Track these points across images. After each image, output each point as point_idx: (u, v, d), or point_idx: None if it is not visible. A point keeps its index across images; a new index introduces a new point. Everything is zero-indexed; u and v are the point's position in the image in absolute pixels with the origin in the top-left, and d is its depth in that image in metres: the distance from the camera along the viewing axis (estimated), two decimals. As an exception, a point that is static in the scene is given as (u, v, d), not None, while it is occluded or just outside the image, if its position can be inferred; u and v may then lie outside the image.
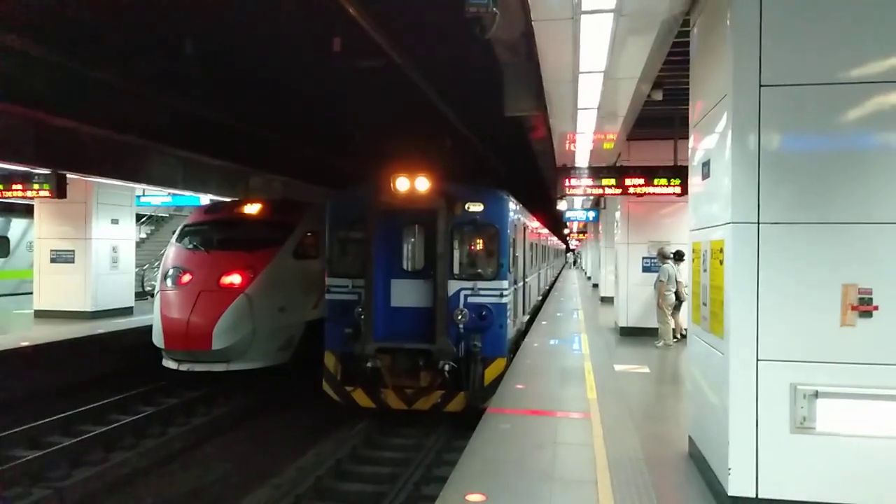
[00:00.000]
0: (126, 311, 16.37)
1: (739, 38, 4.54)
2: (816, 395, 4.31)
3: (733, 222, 4.53)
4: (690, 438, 5.83)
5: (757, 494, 4.40)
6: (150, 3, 8.62)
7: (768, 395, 4.41)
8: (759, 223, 4.46)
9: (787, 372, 4.39)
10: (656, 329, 12.14)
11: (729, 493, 4.47)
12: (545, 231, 23.29)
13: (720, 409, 4.72)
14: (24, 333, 13.24)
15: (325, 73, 11.20)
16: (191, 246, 12.25)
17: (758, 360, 4.43)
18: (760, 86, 4.46)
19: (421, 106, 12.33)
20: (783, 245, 4.44)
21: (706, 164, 5.32)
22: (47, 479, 7.78)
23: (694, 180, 5.88)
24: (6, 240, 21.96)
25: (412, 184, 9.23)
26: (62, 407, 10.01)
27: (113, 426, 9.42)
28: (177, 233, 12.98)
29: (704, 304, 5.25)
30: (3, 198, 14.33)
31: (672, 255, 12.10)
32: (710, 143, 5.25)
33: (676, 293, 11.73)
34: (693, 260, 5.77)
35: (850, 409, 4.30)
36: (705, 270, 5.23)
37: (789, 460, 4.39)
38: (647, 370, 10.08)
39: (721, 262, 4.74)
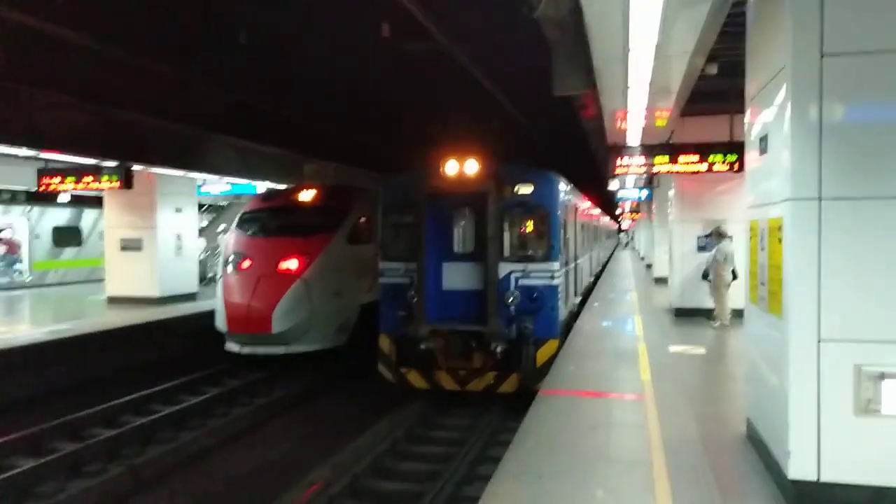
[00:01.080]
0: (190, 297, 17.04)
1: (798, 5, 4.35)
2: (882, 376, 4.16)
3: (793, 199, 4.39)
4: (748, 420, 5.72)
5: (819, 478, 4.30)
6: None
7: (830, 376, 4.28)
8: (820, 199, 4.30)
9: (851, 352, 4.25)
10: (712, 310, 11.86)
11: (789, 477, 4.38)
12: (596, 211, 22.95)
13: (779, 391, 4.62)
14: (98, 318, 13.99)
15: (374, 60, 11.30)
16: (250, 233, 12.64)
17: (819, 340, 4.30)
18: (822, 55, 4.28)
19: (469, 88, 12.30)
20: (846, 221, 4.28)
21: (764, 139, 5.15)
22: (123, 456, 8.25)
23: (751, 156, 5.71)
24: (79, 230, 23.13)
25: (461, 167, 9.26)
26: (136, 387, 10.55)
27: (181, 406, 9.88)
28: (236, 220, 13.40)
29: (762, 284, 5.11)
30: (75, 190, 15.11)
31: (713, 234, 11.84)
32: (768, 116, 5.08)
33: (731, 272, 11.37)
34: (750, 238, 5.61)
35: (918, 391, 4.14)
36: (763, 249, 5.09)
37: (853, 443, 4.26)
38: (702, 351, 9.88)
39: (780, 240, 4.61)
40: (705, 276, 12.04)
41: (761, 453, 5.18)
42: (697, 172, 10.69)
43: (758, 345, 5.44)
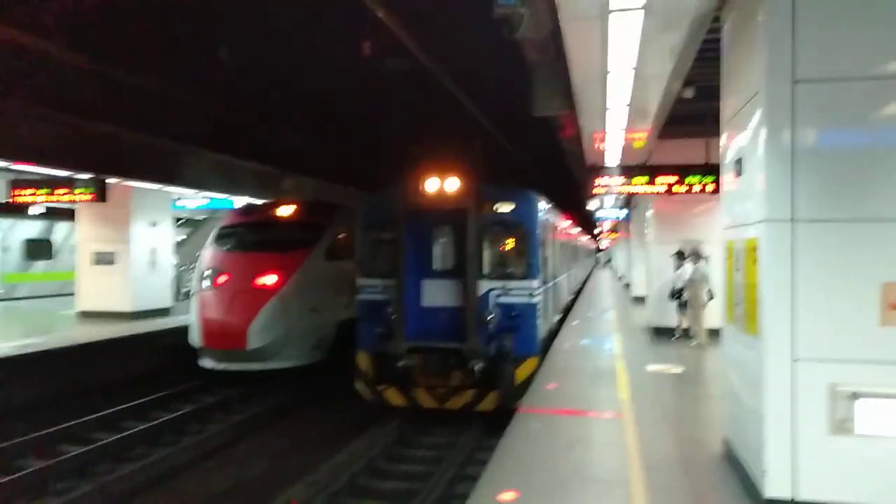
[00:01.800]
0: (164, 312, 16.77)
1: (771, 33, 4.48)
2: (855, 395, 4.24)
3: (767, 220, 4.48)
4: (726, 440, 5.76)
5: (793, 497, 4.34)
6: (187, 13, 8.85)
7: (805, 395, 4.35)
8: (793, 221, 4.39)
9: (825, 372, 4.32)
10: (673, 329, 12.01)
11: (765, 496, 4.42)
12: (575, 230, 23.16)
13: (755, 410, 4.67)
14: (67, 333, 13.68)
15: (354, 77, 11.34)
16: (226, 248, 12.51)
17: (794, 359, 4.37)
18: (794, 81, 4.40)
19: (449, 107, 12.40)
20: (819, 243, 4.38)
21: (739, 162, 5.26)
22: (93, 473, 8.03)
23: (726, 178, 5.82)
24: (49, 243, 22.69)
25: (442, 184, 9.30)
26: (105, 404, 10.31)
27: (154, 423, 9.68)
28: (212, 235, 13.26)
29: (738, 304, 5.19)
30: (47, 202, 14.85)
31: (678, 254, 12.23)
32: (742, 140, 5.20)
33: (707, 292, 11.57)
34: (726, 259, 5.70)
35: (890, 410, 4.22)
36: (738, 269, 5.17)
37: (827, 462, 4.32)
38: (680, 370, 9.97)
39: (755, 261, 4.69)
40: (672, 295, 12.29)
41: (738, 473, 5.22)
42: (675, 193, 10.87)
43: (735, 364, 5.51)
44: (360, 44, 9.39)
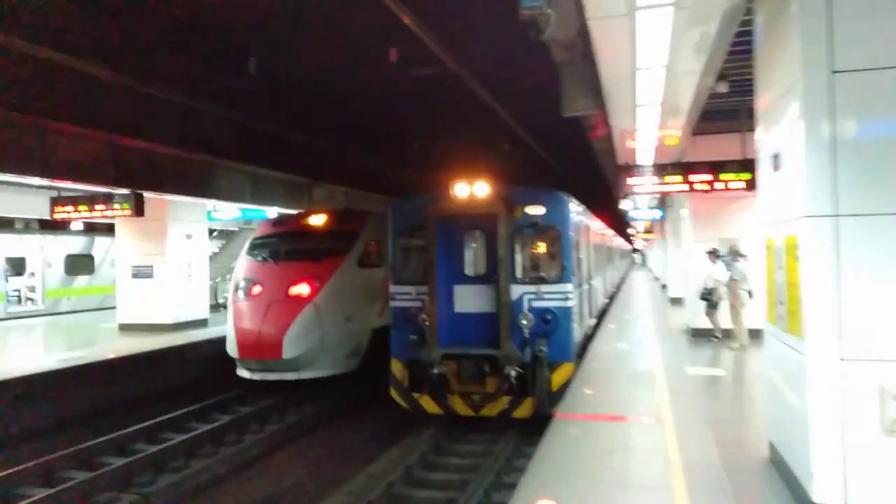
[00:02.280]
0: (201, 323, 17.06)
1: (807, 23, 4.34)
2: (908, 396, 4.05)
3: (809, 216, 4.32)
4: (770, 443, 5.58)
5: (845, 501, 4.17)
6: (216, 24, 9.01)
7: (854, 396, 4.18)
8: (837, 216, 4.23)
9: (875, 372, 4.15)
10: (730, 330, 11.71)
11: (813, 500, 4.25)
12: (609, 232, 22.85)
13: (801, 413, 4.50)
14: (110, 346, 14.01)
15: (382, 84, 11.40)
16: (260, 258, 12.66)
17: (841, 359, 4.21)
18: (832, 72, 4.25)
19: (477, 111, 12.37)
20: (865, 237, 4.20)
21: (776, 157, 5.10)
22: (135, 484, 8.17)
23: (764, 174, 5.65)
24: (91, 258, 23.32)
25: (471, 189, 9.25)
26: (148, 415, 10.51)
27: (193, 434, 9.82)
28: (246, 245, 13.45)
29: (781, 303, 5.02)
30: (88, 218, 15.26)
31: (710, 253, 12.02)
32: (780, 134, 5.04)
33: (747, 292, 11.29)
34: (766, 257, 5.53)
35: (946, 411, 4.02)
36: (780, 267, 5.01)
37: (880, 465, 4.14)
38: (721, 373, 9.73)
39: (796, 258, 4.53)
40: (703, 296, 12.06)
41: (784, 477, 5.04)
42: (710, 191, 10.63)
43: (778, 365, 5.33)
44: (388, 50, 9.43)
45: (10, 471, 7.96)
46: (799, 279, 4.49)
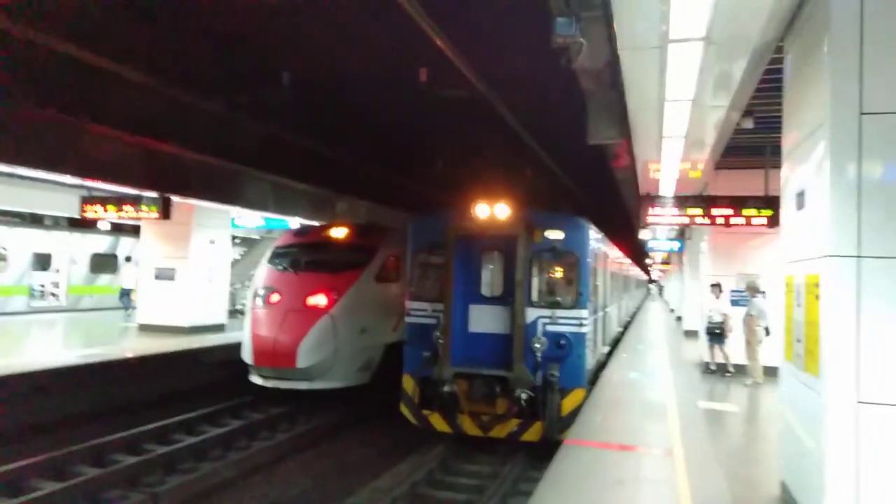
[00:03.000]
0: (219, 328, 17.22)
1: (838, 64, 4.38)
2: (926, 443, 4.01)
3: (832, 255, 4.33)
4: (783, 483, 5.52)
5: (857, 547, 4.12)
6: (253, 39, 9.24)
7: (870, 440, 4.14)
8: (860, 257, 4.24)
9: (893, 416, 4.11)
10: (744, 366, 11.60)
11: (825, 544, 4.20)
12: (626, 261, 22.77)
13: (816, 454, 4.47)
14: (128, 345, 14.21)
15: (410, 102, 11.56)
16: (280, 267, 12.81)
17: (858, 401, 4.18)
18: (861, 114, 4.28)
19: (502, 133, 12.47)
20: (887, 280, 4.20)
21: (801, 195, 5.11)
22: (144, 484, 8.25)
23: (787, 211, 5.66)
24: (115, 257, 23.70)
25: (492, 210, 9.32)
26: (159, 415, 10.62)
27: (203, 437, 9.89)
28: (267, 254, 13.62)
29: (798, 341, 5.00)
30: (115, 219, 15.57)
31: (717, 286, 12.18)
32: (805, 172, 5.06)
33: (764, 329, 11.20)
34: (786, 294, 5.51)
35: (964, 461, 3.97)
36: (799, 305, 5.00)
37: (894, 512, 4.09)
38: (734, 408, 9.62)
39: (817, 297, 4.53)
40: (708, 330, 12.13)
41: (796, 518, 4.98)
42: (731, 225, 10.61)
43: (793, 404, 5.29)
44: (418, 70, 9.58)
45: (22, 463, 8.08)
46: (818, 318, 4.48)
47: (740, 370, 11.85)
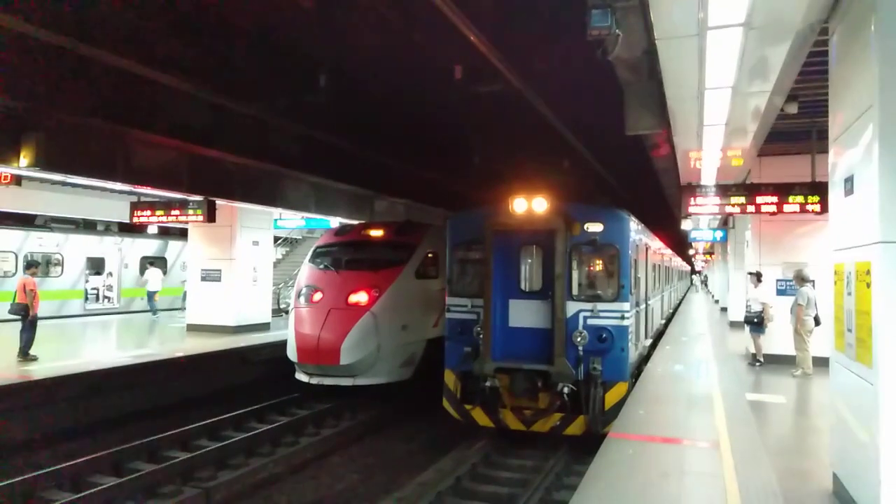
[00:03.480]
0: (264, 327, 17.61)
1: (885, 44, 4.25)
2: None
3: (884, 241, 4.21)
4: (835, 475, 5.39)
5: (915, 540, 4.01)
6: (291, 42, 9.41)
7: (927, 431, 4.02)
8: (912, 242, 4.11)
9: (950, 407, 3.98)
10: (793, 357, 11.31)
11: (881, 537, 4.10)
12: (668, 252, 22.37)
13: (870, 445, 4.35)
14: (178, 345, 14.68)
15: (445, 98, 11.61)
16: (322, 266, 13.03)
17: (913, 392, 4.06)
18: (912, 94, 4.14)
19: (538, 127, 12.41)
20: (942, 266, 4.06)
21: (849, 180, 4.97)
22: (196, 478, 8.52)
23: (835, 197, 5.51)
24: (164, 260, 24.44)
25: (529, 204, 9.29)
26: (209, 413, 10.95)
27: (252, 433, 10.16)
28: (309, 254, 13.87)
29: (849, 331, 4.87)
30: (164, 223, 16.07)
31: (755, 275, 12.02)
32: (853, 156, 4.92)
33: (814, 318, 10.91)
34: (835, 283, 5.37)
35: None
36: (850, 294, 4.87)
37: (954, 505, 3.96)
38: (782, 400, 9.39)
39: (868, 285, 4.41)
40: (748, 321, 11.94)
41: (850, 511, 4.87)
42: (776, 213, 10.34)
43: (845, 395, 5.16)
44: (453, 67, 9.61)
45: (81, 460, 8.44)
46: (871, 307, 4.36)
47: (781, 361, 11.64)
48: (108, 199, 18.49)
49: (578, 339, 9.09)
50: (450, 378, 9.92)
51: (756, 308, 11.90)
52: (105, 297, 22.83)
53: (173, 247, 24.78)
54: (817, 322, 10.74)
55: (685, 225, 21.48)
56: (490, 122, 13.23)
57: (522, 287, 9.79)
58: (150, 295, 20.94)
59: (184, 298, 20.86)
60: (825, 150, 5.90)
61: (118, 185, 13.14)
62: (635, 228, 10.61)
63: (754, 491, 5.44)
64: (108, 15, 7.96)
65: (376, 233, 13.41)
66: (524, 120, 12.00)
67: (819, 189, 9.74)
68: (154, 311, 20.85)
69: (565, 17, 7.67)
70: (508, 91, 10.00)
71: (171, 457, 9.04)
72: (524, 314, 9.65)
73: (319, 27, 9.05)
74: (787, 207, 10.15)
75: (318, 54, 10.14)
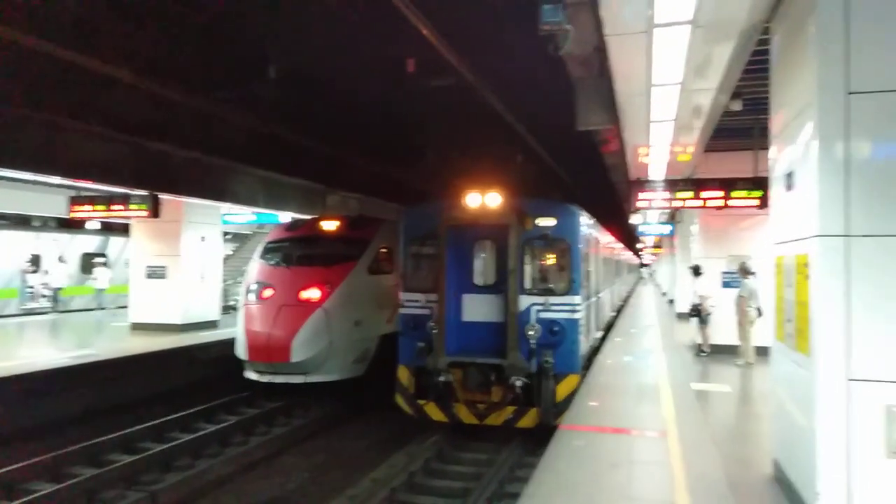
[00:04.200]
0: (212, 325, 17.18)
1: (824, 44, 4.39)
2: (915, 418, 4.06)
3: (820, 235, 4.36)
4: (775, 461, 5.58)
5: (849, 522, 4.18)
6: (237, 31, 9.15)
7: (860, 416, 4.19)
8: (848, 236, 4.27)
9: (882, 393, 4.16)
10: (737, 347, 11.70)
11: (819, 520, 4.26)
12: (618, 245, 22.84)
13: (807, 431, 4.52)
14: (121, 345, 14.15)
15: (398, 92, 11.51)
16: (272, 262, 12.77)
17: (849, 379, 4.22)
18: (848, 93, 4.29)
19: (492, 122, 12.44)
20: (876, 258, 4.23)
21: (790, 176, 5.14)
22: (141, 482, 8.25)
23: (776, 192, 5.69)
24: (105, 257, 23.55)
25: (483, 199, 9.32)
26: (156, 413, 10.61)
27: (199, 434, 9.89)
28: (259, 249, 13.57)
29: (789, 321, 5.04)
30: (104, 218, 15.46)
31: (693, 269, 12.47)
32: (793, 153, 5.08)
33: (756, 309, 11.30)
34: (776, 275, 5.55)
35: (953, 434, 4.03)
36: (789, 285, 5.03)
37: (884, 487, 4.14)
38: (727, 389, 9.71)
39: (807, 277, 4.56)
40: (691, 313, 12.43)
41: (788, 495, 5.05)
42: (721, 207, 10.65)
43: (785, 383, 5.34)
44: (405, 60, 9.53)
45: (17, 465, 8.06)
46: (808, 298, 4.52)
47: (725, 351, 12.04)
48: (45, 194, 17.65)
49: (531, 333, 9.17)
50: (403, 373, 9.88)
51: (696, 301, 12.34)
52: (42, 295, 21.85)
53: (115, 243, 23.91)
54: (759, 313, 11.12)
55: (634, 219, 21.94)
56: (444, 115, 13.20)
57: (476, 281, 9.83)
58: (98, 292, 20.26)
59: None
60: (767, 147, 6.08)
61: (55, 180, 12.56)
62: (586, 223, 10.76)
63: (700, 478, 5.59)
64: (44, 2, 7.57)
65: (328, 227, 13.21)
66: (478, 114, 12.00)
67: (761, 184, 10.07)
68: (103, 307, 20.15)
69: (517, 11, 7.68)
70: (461, 85, 9.98)
71: (113, 460, 8.74)
72: (478, 308, 9.70)
73: (267, 17, 8.82)
74: (731, 202, 10.46)
75: (266, 45, 9.89)
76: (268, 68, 9.95)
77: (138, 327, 16.49)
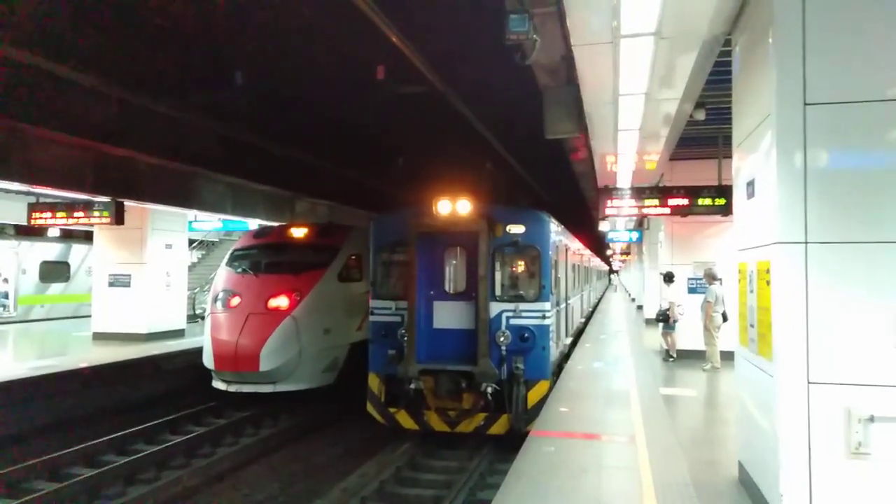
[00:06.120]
0: (178, 334, 16.84)
1: (782, 56, 4.52)
2: (872, 419, 4.18)
3: (780, 242, 4.47)
4: (740, 463, 5.69)
5: (811, 522, 4.27)
6: (203, 36, 9.03)
7: (820, 419, 4.30)
8: (806, 243, 4.38)
9: (841, 395, 4.28)
10: (703, 352, 11.91)
11: (782, 521, 4.35)
12: (587, 252, 23.09)
13: (770, 434, 4.62)
14: (83, 355, 13.78)
15: (367, 99, 11.48)
16: (240, 270, 12.60)
17: (809, 382, 4.33)
18: (805, 104, 4.42)
19: (462, 130, 12.49)
20: (833, 265, 4.35)
21: (751, 184, 5.26)
22: (104, 497, 8.03)
23: (738, 200, 5.82)
24: (67, 265, 22.96)
25: (453, 206, 9.34)
26: (118, 426, 10.35)
27: (165, 445, 9.68)
28: (226, 257, 13.37)
29: (752, 326, 5.16)
30: (66, 225, 15.06)
31: (665, 276, 12.64)
32: (754, 162, 5.21)
33: (721, 315, 11.53)
34: (739, 281, 5.68)
35: (908, 435, 4.16)
36: (752, 291, 5.15)
37: (845, 486, 4.26)
38: (693, 393, 9.86)
39: (768, 283, 4.67)
40: (658, 318, 12.68)
41: (753, 497, 5.15)
42: (686, 215, 10.86)
43: (748, 387, 5.45)
44: (375, 67, 9.52)
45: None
46: (770, 303, 4.62)
47: (692, 356, 12.23)
48: (2, 200, 17.15)
49: (501, 339, 9.21)
50: (374, 381, 9.83)
51: (664, 306, 12.56)
52: (0, 305, 21.19)
53: (77, 251, 23.32)
54: (725, 318, 11.35)
55: (603, 226, 22.23)
56: (414, 123, 13.19)
57: (446, 289, 9.83)
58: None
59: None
60: (730, 156, 6.22)
61: (14, 185, 12.20)
62: (555, 230, 10.86)
63: (667, 482, 5.67)
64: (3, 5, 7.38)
65: (297, 234, 13.09)
66: (447, 122, 12.04)
67: (724, 192, 10.30)
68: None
69: (485, 20, 7.73)
70: (431, 93, 10.00)
71: (74, 474, 8.49)
72: (448, 316, 9.70)
73: (235, 22, 8.73)
74: (696, 209, 10.67)
75: (233, 50, 9.78)
76: (234, 73, 9.85)
77: (101, 337, 16.09)
